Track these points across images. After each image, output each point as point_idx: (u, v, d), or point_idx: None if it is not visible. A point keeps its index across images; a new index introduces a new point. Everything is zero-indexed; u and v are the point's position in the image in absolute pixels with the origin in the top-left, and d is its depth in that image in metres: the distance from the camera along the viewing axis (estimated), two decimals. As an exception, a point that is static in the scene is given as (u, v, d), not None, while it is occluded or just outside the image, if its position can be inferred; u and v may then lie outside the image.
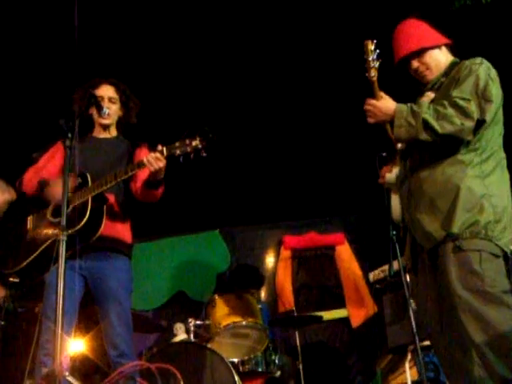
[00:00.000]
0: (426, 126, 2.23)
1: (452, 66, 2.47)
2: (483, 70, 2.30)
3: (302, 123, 5.08)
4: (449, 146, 2.30)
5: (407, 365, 3.69)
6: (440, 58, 2.50)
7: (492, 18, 4.16)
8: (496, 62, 2.43)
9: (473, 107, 2.22)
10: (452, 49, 2.57)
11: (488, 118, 2.25)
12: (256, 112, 4.96)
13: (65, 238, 2.00)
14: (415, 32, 2.52)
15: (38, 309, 3.79)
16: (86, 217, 2.60)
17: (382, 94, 2.40)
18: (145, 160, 2.56)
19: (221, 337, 3.65)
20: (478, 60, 2.36)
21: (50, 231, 2.65)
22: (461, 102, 2.22)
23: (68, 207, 2.60)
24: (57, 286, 2.04)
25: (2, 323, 3.33)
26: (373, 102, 2.39)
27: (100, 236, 2.65)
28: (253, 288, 4.63)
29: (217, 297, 3.88)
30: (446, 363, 2.36)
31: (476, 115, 2.22)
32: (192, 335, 3.70)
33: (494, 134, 2.34)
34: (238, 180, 5.34)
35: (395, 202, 2.59)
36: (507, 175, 2.38)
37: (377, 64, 2.42)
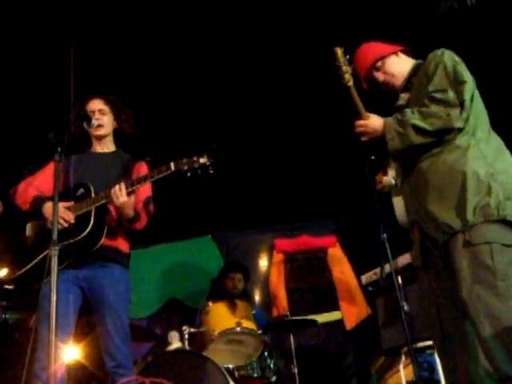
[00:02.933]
0: (417, 129, 2.28)
1: (417, 66, 2.55)
2: (447, 58, 2.37)
3: (294, 128, 5.10)
4: (444, 137, 2.32)
5: (401, 366, 3.70)
6: (400, 64, 2.59)
7: (477, 19, 4.21)
8: (482, 61, 2.48)
9: (451, 95, 2.27)
10: (411, 54, 2.65)
11: (466, 97, 2.29)
12: (248, 118, 4.98)
13: (56, 253, 1.99)
14: (369, 50, 2.64)
15: (32, 320, 3.78)
16: (90, 226, 2.62)
17: (368, 114, 2.45)
18: (113, 190, 2.60)
19: (215, 344, 3.65)
20: (439, 51, 2.42)
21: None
22: (439, 95, 2.29)
23: None
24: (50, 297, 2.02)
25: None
26: (362, 122, 2.44)
27: (103, 246, 2.68)
28: (246, 276, 4.64)
29: (211, 303, 3.88)
30: (447, 363, 2.34)
31: (456, 101, 2.27)
32: (187, 343, 3.69)
33: (480, 117, 2.36)
34: (230, 185, 5.34)
35: (398, 204, 2.58)
36: (508, 152, 2.37)
37: (350, 69, 2.49)
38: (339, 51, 2.50)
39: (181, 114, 4.94)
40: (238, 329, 3.63)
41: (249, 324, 3.70)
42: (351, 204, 5.34)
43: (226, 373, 3.36)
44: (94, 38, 4.14)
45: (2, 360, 3.62)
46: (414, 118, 2.29)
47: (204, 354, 3.51)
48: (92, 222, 2.64)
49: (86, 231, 2.62)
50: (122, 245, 2.87)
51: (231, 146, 4.93)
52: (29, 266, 2.68)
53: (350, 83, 2.47)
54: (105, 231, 2.70)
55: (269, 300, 5.40)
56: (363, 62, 2.62)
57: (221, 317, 3.72)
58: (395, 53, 2.60)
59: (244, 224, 5.60)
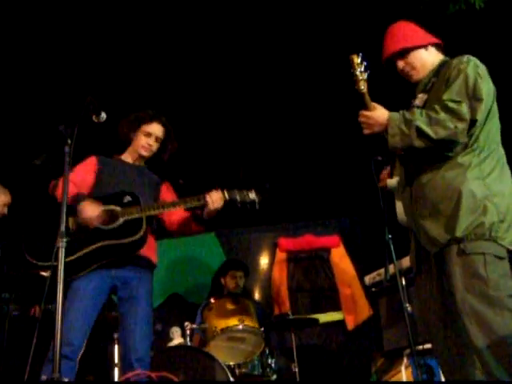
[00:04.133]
0: (420, 133, 2.24)
1: (441, 64, 2.49)
2: (471, 68, 2.31)
3: (298, 127, 5.10)
4: (446, 149, 2.30)
5: (403, 368, 3.70)
6: (426, 58, 2.52)
7: (486, 22, 4.20)
8: (489, 64, 2.46)
9: (464, 109, 2.23)
10: (442, 48, 2.59)
11: (479, 117, 2.26)
12: (252, 116, 4.97)
13: (64, 245, 2.00)
14: (400, 33, 2.56)
15: (35, 312, 3.78)
16: (142, 232, 2.78)
17: (374, 104, 2.41)
18: (208, 198, 2.84)
19: (217, 340, 3.64)
20: (465, 58, 2.37)
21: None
22: (452, 105, 2.24)
23: (117, 219, 2.81)
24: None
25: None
26: (366, 113, 2.39)
27: (139, 255, 2.85)
28: (247, 273, 4.67)
29: (213, 300, 3.87)
30: (446, 366, 2.37)
31: (468, 116, 2.23)
32: (188, 339, 3.69)
33: (491, 131, 2.34)
34: (234, 182, 5.33)
35: (400, 207, 2.59)
36: (508, 172, 2.36)
37: (365, 76, 2.43)
38: (356, 59, 2.43)
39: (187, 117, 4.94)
40: (240, 326, 3.62)
41: (251, 322, 3.69)
42: (355, 204, 5.33)
43: (226, 370, 3.36)
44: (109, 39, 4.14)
45: (7, 351, 3.63)
46: (420, 120, 2.25)
47: (205, 350, 3.51)
48: (144, 229, 2.78)
49: (138, 236, 2.76)
50: (153, 256, 3.03)
51: (234, 141, 4.95)
52: (70, 259, 2.68)
53: (364, 90, 2.42)
54: (147, 240, 2.86)
55: (270, 298, 5.40)
56: (390, 46, 2.55)
57: (223, 314, 3.71)
58: (425, 46, 2.53)
59: (248, 222, 5.59)
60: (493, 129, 2.36)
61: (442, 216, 2.26)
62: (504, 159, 2.38)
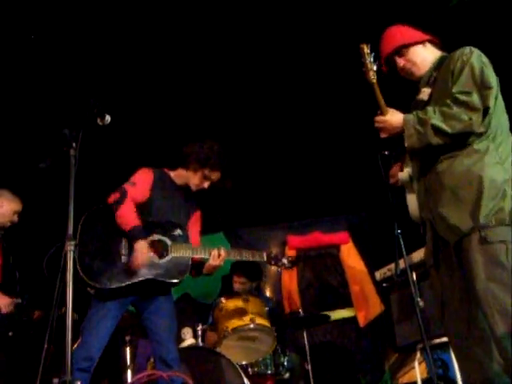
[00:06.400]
0: (436, 130, 2.27)
1: (441, 60, 2.51)
2: (475, 59, 2.34)
3: (306, 123, 5.07)
4: (462, 140, 2.31)
5: (416, 363, 3.67)
6: (424, 54, 2.56)
7: (489, 13, 4.16)
8: (494, 56, 2.45)
9: (475, 99, 2.24)
10: (438, 45, 2.62)
11: (491, 103, 2.27)
12: (259, 114, 4.94)
13: (73, 248, 1.99)
14: (396, 32, 2.61)
15: (36, 315, 3.82)
16: (185, 276, 3.00)
17: (389, 109, 2.45)
18: (213, 253, 3.06)
19: (229, 340, 3.63)
20: (467, 49, 2.39)
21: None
22: (463, 97, 2.25)
23: (166, 252, 2.95)
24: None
25: (10, 334, 3.34)
26: (381, 118, 2.44)
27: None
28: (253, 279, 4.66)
29: (223, 300, 3.86)
30: (462, 357, 2.35)
31: (480, 105, 2.25)
32: (200, 339, 3.69)
33: (501, 119, 2.36)
34: (242, 181, 5.32)
35: (411, 200, 2.58)
36: None
37: (374, 67, 2.48)
38: (365, 48, 2.49)
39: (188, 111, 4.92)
40: (252, 325, 3.61)
41: (262, 321, 3.68)
42: (364, 199, 5.31)
43: (239, 369, 3.36)
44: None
45: (18, 360, 3.65)
46: (434, 117, 2.28)
47: (217, 350, 3.51)
48: (188, 272, 3.00)
49: (183, 277, 2.96)
50: None
51: (241, 139, 4.93)
52: (122, 285, 2.81)
53: (374, 80, 2.47)
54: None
55: (281, 297, 5.39)
56: (387, 45, 2.60)
57: (234, 313, 3.70)
58: (422, 42, 2.57)
59: (256, 221, 5.59)
60: (502, 117, 2.37)
61: (461, 203, 2.26)
62: None
